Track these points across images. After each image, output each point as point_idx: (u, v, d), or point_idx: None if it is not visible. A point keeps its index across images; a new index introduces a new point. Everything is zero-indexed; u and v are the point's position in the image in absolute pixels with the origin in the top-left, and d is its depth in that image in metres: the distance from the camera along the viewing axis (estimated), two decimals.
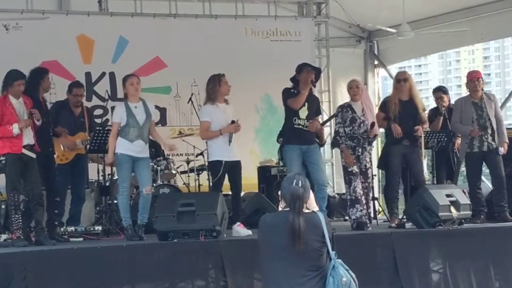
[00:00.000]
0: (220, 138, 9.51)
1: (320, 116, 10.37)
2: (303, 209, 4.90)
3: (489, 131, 10.46)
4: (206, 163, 11.35)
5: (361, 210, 9.71)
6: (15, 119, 8.73)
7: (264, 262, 4.96)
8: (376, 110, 10.70)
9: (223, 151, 9.49)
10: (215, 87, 9.54)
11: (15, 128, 8.67)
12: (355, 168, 9.77)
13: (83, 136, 10.37)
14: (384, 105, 10.39)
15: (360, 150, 9.86)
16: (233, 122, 9.55)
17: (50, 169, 9.48)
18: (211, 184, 9.94)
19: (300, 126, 9.70)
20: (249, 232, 9.34)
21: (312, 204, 4.99)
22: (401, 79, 10.31)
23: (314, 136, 9.92)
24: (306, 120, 9.71)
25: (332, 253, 4.92)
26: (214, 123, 9.56)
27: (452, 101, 11.40)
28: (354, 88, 9.99)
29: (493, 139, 10.45)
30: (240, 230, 9.36)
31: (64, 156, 10.22)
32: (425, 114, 10.51)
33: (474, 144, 10.46)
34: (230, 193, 9.85)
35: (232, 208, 9.64)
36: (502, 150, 10.47)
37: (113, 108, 10.55)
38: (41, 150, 9.03)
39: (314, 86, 10.15)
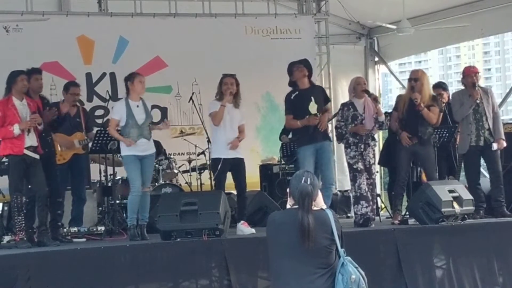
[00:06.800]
0: (222, 134, 9.51)
1: (330, 103, 10.22)
2: (312, 207, 4.90)
3: (486, 126, 10.42)
4: (208, 162, 11.39)
5: (366, 207, 9.71)
6: (17, 120, 8.73)
7: (273, 260, 4.95)
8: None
9: (224, 149, 9.50)
10: (219, 87, 9.65)
11: (16, 129, 8.67)
12: (360, 165, 9.76)
13: (80, 136, 10.33)
14: (397, 104, 10.35)
15: (362, 146, 9.85)
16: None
17: (52, 169, 9.44)
18: (213, 181, 9.94)
19: None
20: (253, 230, 9.35)
21: (320, 202, 4.98)
22: (411, 79, 10.26)
23: (327, 131, 9.85)
24: (318, 114, 9.64)
25: (341, 251, 4.90)
26: None
27: None
28: (362, 85, 10.01)
29: (490, 134, 10.42)
30: (244, 229, 9.36)
31: (62, 156, 10.17)
32: (437, 111, 10.35)
33: (472, 138, 10.44)
34: (234, 191, 9.85)
35: (237, 206, 9.64)
36: (495, 146, 10.41)
37: None
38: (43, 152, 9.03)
39: (310, 76, 10.01)
